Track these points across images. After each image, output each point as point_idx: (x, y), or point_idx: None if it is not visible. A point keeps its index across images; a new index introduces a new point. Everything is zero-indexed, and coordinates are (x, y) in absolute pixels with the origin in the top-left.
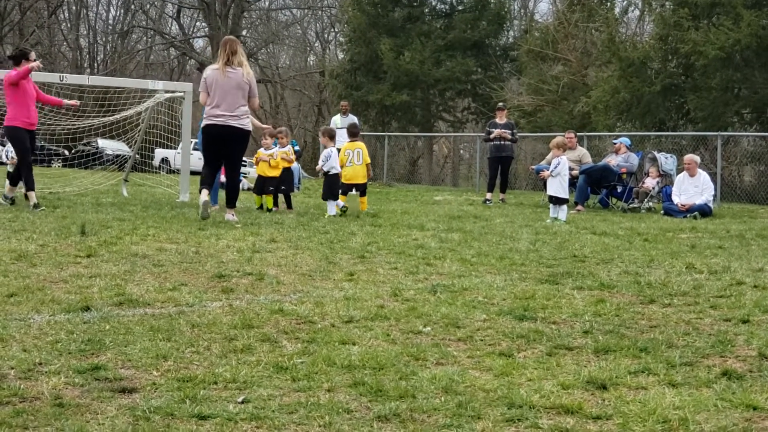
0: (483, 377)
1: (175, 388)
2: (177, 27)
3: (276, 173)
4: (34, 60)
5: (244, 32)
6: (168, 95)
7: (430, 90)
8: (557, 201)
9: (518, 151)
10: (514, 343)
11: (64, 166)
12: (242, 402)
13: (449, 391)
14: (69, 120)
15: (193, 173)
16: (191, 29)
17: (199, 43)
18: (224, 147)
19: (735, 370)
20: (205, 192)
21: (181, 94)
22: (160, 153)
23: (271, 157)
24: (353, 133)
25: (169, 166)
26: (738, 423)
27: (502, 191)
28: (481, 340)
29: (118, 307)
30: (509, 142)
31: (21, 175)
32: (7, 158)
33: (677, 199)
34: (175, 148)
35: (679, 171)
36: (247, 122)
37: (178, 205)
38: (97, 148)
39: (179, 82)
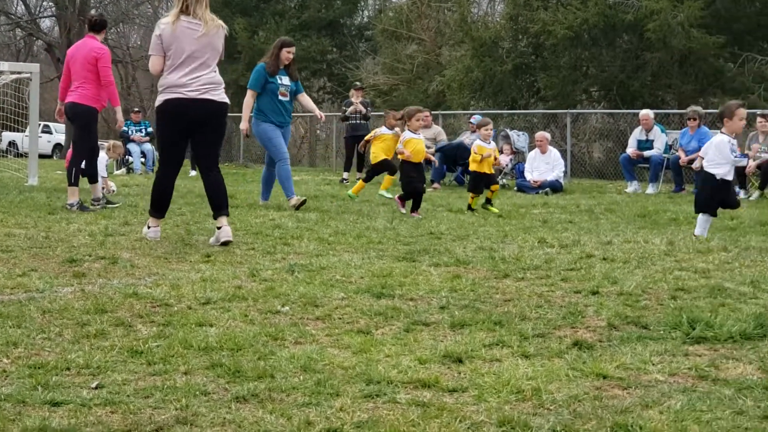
0: (341, 355)
1: (26, 375)
2: (23, 7)
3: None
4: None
5: (92, 11)
6: (14, 76)
7: None
8: None
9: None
10: (372, 321)
11: None
12: (96, 387)
13: (308, 370)
14: None
15: (41, 156)
16: (38, 9)
17: (46, 23)
18: (198, 130)
19: (585, 341)
20: (154, 222)
21: (28, 75)
22: (7, 136)
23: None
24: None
25: (17, 149)
26: (589, 391)
27: (359, 171)
28: (340, 319)
29: None
30: (365, 121)
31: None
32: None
33: (530, 175)
34: (23, 131)
35: (531, 148)
36: (223, 93)
37: (27, 189)
38: None
39: (26, 63)
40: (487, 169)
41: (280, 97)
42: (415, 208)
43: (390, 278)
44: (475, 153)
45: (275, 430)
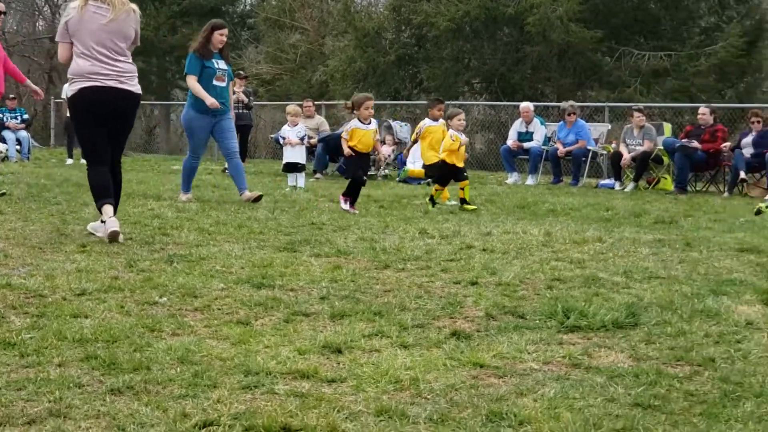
0: (220, 346)
1: None
2: None
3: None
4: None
5: None
6: None
7: (165, 57)
8: (294, 168)
9: (257, 120)
10: (251, 311)
11: None
12: None
13: (185, 362)
14: None
15: None
16: None
17: None
18: (112, 121)
19: (463, 331)
20: (109, 209)
21: None
22: None
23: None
24: None
25: None
26: (466, 381)
27: (242, 160)
28: (219, 309)
29: None
30: (247, 111)
31: None
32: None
33: (411, 166)
34: None
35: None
36: (138, 83)
37: None
38: None
39: None
40: (458, 161)
41: (215, 82)
42: (352, 201)
43: (270, 268)
44: (452, 141)
45: (150, 423)
